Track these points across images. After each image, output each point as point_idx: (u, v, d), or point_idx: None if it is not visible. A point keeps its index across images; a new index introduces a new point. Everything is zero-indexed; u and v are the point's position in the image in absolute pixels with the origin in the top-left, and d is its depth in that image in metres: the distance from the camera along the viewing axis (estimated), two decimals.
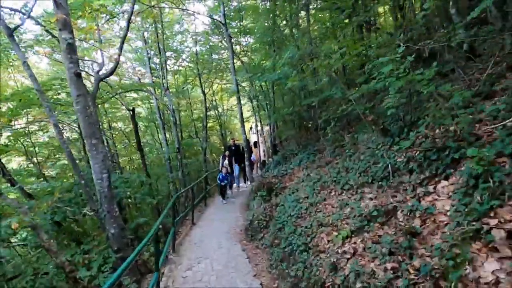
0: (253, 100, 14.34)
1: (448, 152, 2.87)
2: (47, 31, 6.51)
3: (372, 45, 4.27)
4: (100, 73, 7.35)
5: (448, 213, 2.46)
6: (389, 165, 3.68)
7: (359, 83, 7.05)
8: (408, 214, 2.89)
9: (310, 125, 8.33)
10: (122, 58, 16.84)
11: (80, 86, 5.13)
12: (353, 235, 3.37)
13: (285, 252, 4.58)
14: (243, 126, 10.82)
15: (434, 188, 2.84)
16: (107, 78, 12.67)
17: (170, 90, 17.71)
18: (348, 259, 3.03)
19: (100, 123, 15.20)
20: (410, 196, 3.05)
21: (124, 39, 7.22)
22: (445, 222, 2.42)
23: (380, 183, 3.76)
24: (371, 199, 3.65)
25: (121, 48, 7.02)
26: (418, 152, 3.42)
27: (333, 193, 4.87)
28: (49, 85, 7.21)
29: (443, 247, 2.12)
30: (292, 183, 6.98)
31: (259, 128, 17.61)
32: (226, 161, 10.11)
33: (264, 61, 13.10)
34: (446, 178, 2.81)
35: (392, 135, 4.08)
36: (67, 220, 6.48)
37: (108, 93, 9.20)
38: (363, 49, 3.96)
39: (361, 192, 3.97)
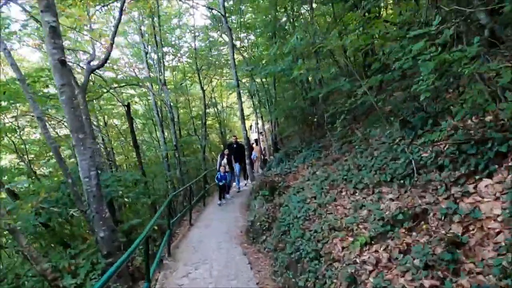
0: (253, 97, 13.85)
1: (490, 144, 2.41)
2: (32, 17, 6.03)
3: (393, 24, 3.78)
4: (92, 63, 6.87)
5: (500, 218, 2.00)
6: (413, 161, 3.22)
7: (368, 71, 6.59)
8: (443, 218, 2.43)
9: (315, 120, 7.86)
10: (118, 53, 16.41)
11: (65, 74, 4.66)
12: (373, 242, 2.91)
13: (291, 258, 4.12)
14: (243, 122, 10.33)
15: (475, 187, 2.38)
16: (102, 73, 12.22)
17: (169, 87, 17.25)
18: (370, 271, 2.57)
19: (96, 119, 14.77)
20: (443, 197, 2.59)
21: (117, 27, 6.74)
22: (497, 230, 1.96)
23: (401, 181, 3.30)
24: (391, 200, 3.19)
25: (113, 37, 6.54)
26: (447, 146, 2.96)
27: (344, 193, 4.41)
28: (36, 76, 6.73)
29: (504, 263, 1.67)
30: (296, 181, 6.52)
31: (259, 125, 17.15)
32: (225, 160, 9.47)
33: (265, 55, 12.64)
34: (490, 176, 2.35)
35: (414, 128, 3.62)
36: (56, 222, 6.03)
37: (100, 86, 8.70)
38: (385, 27, 3.49)
39: (379, 192, 3.51)
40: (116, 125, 15.62)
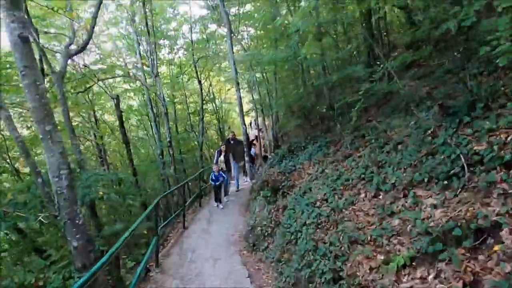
0: (253, 88, 13.08)
1: None
2: None
3: None
4: (71, 48, 6.09)
5: None
6: (461, 156, 2.47)
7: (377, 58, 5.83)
8: None
9: (323, 111, 7.09)
10: (110, 46, 15.57)
11: (28, 54, 3.89)
12: (414, 264, 2.17)
13: (300, 275, 3.39)
14: (242, 116, 9.56)
15: None
16: (96, 67, 11.42)
17: (165, 81, 16.45)
18: None
19: (87, 114, 14.00)
20: None
21: (98, 7, 5.94)
22: None
23: (445, 182, 2.55)
24: (434, 206, 2.44)
25: (95, 16, 5.75)
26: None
27: (363, 195, 3.67)
28: (5, 62, 5.94)
29: None
30: (302, 181, 5.77)
31: (259, 121, 16.39)
32: (222, 157, 8.46)
33: (266, 47, 11.87)
34: None
35: (457, 114, 2.87)
36: (28, 227, 5.28)
37: (83, 75, 7.91)
38: None
39: (414, 195, 2.76)
40: (105, 121, 14.82)
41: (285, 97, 10.43)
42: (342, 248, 2.85)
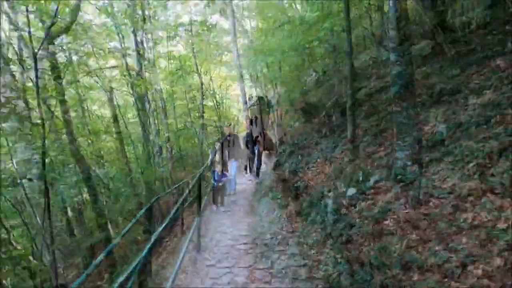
0: (255, 81, 12.41)
1: None
2: None
3: None
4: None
5: None
6: None
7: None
8: None
9: (334, 105, 6.40)
10: (104, 35, 14.77)
11: None
12: None
13: None
14: (246, 109, 8.82)
15: None
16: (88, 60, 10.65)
17: (163, 76, 15.71)
18: None
19: (81, 109, 13.26)
20: None
21: None
22: None
23: None
24: None
25: None
26: None
27: (403, 200, 2.95)
28: None
29: None
30: (318, 181, 5.06)
31: (263, 116, 15.72)
32: (218, 158, 7.41)
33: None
34: None
35: None
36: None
37: (67, 62, 7.18)
38: None
39: (490, 205, 2.04)
40: (100, 116, 14.15)
41: (290, 91, 9.74)
42: (392, 274, 2.14)
